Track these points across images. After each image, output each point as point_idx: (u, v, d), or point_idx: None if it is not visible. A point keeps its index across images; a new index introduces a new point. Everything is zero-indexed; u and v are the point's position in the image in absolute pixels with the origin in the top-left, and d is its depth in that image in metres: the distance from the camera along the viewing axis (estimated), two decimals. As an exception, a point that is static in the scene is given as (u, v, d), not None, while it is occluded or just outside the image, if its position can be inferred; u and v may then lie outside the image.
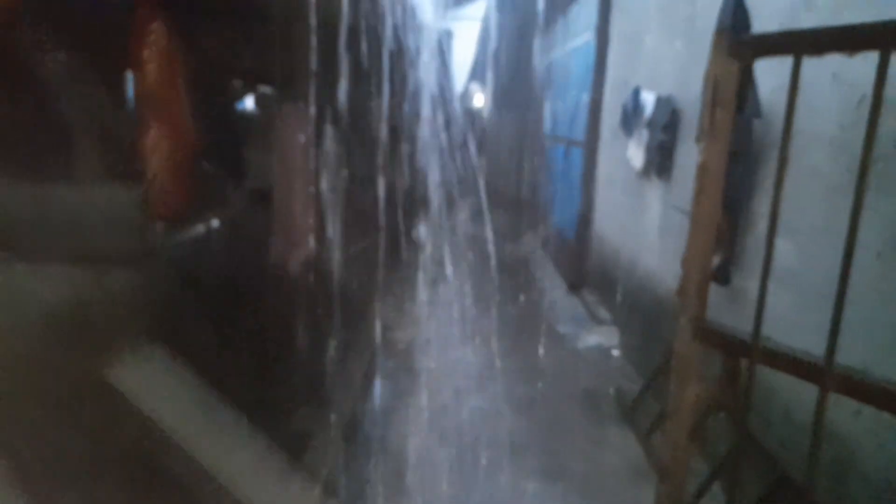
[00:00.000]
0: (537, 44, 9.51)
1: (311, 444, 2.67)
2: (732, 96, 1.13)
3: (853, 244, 1.04)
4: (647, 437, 3.09)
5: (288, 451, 2.47)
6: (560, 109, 7.18)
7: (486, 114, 11.68)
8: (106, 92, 2.03)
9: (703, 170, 1.17)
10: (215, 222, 2.45)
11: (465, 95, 11.87)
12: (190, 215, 2.33)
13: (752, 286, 2.71)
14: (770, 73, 2.45)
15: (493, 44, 11.30)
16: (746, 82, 2.12)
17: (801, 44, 1.10)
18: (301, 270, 2.74)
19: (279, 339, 2.68)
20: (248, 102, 3.26)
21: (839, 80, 2.18)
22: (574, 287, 5.74)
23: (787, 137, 1.08)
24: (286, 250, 2.70)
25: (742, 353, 1.10)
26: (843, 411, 2.01)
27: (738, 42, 1.11)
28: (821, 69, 2.28)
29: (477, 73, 11.92)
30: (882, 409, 1.05)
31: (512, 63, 10.74)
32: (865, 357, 1.88)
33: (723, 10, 2.30)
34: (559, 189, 6.95)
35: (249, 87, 3.19)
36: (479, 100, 11.87)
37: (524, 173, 10.10)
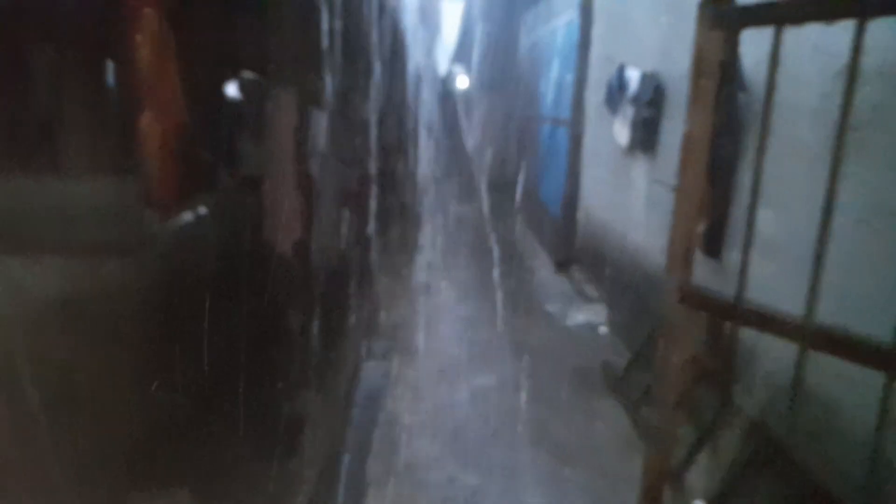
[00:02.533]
0: (522, 23, 9.48)
1: (308, 424, 2.71)
2: (716, 67, 1.15)
3: (831, 209, 1.07)
4: (636, 409, 3.16)
5: (287, 431, 2.52)
6: (545, 88, 7.18)
7: (470, 95, 11.63)
8: (96, 79, 2.03)
9: (688, 140, 1.19)
10: (207, 209, 2.46)
11: (449, 77, 11.80)
12: (184, 199, 2.34)
13: (751, 260, 2.76)
14: (754, 46, 2.48)
15: (476, 24, 11.23)
16: (732, 55, 2.15)
17: (781, 14, 1.13)
18: (294, 251, 2.77)
19: (276, 321, 2.71)
20: (236, 90, 3.24)
21: (820, 51, 2.22)
22: (562, 265, 5.79)
23: (769, 107, 1.10)
24: (278, 233, 2.72)
25: (725, 314, 1.13)
26: (826, 374, 2.07)
27: (721, 13, 1.13)
28: (802, 40, 2.32)
29: (461, 55, 11.85)
30: (859, 364, 1.09)
31: (497, 43, 10.69)
32: (846, 321, 1.94)
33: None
34: (546, 168, 6.98)
35: (238, 75, 3.18)
36: (463, 81, 11.81)
37: (510, 153, 10.12)
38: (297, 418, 2.70)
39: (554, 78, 6.66)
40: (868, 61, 1.96)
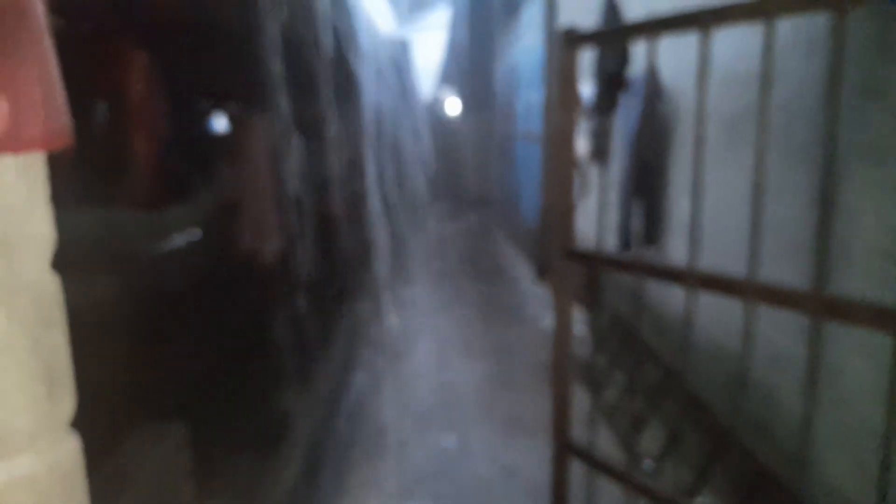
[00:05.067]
0: (498, 47, 9.96)
1: (294, 422, 3.00)
2: (574, 76, 1.51)
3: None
4: (597, 391, 3.47)
5: (272, 428, 2.81)
6: (520, 108, 7.60)
7: (459, 119, 12.10)
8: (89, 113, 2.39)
9: (559, 135, 1.55)
10: (194, 232, 2.78)
11: (436, 103, 12.28)
12: (171, 218, 2.65)
13: (673, 245, 3.11)
14: (670, 62, 2.85)
15: (458, 51, 11.73)
16: (623, 65, 2.52)
17: (617, 35, 1.49)
18: (271, 262, 3.07)
19: (260, 327, 3.02)
20: (217, 121, 3.59)
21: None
22: (542, 273, 6.13)
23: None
24: (256, 244, 3.03)
25: (594, 263, 1.47)
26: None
27: (574, 37, 1.49)
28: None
29: (446, 80, 12.35)
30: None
31: (477, 67, 11.18)
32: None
33: (601, 9, 2.72)
34: (523, 183, 7.36)
35: (215, 106, 3.53)
36: (453, 106, 12.30)
37: (493, 172, 10.53)
38: (282, 416, 2.99)
39: (526, 97, 7.07)
40: (748, 66, 2.34)
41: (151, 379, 2.16)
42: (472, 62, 11.23)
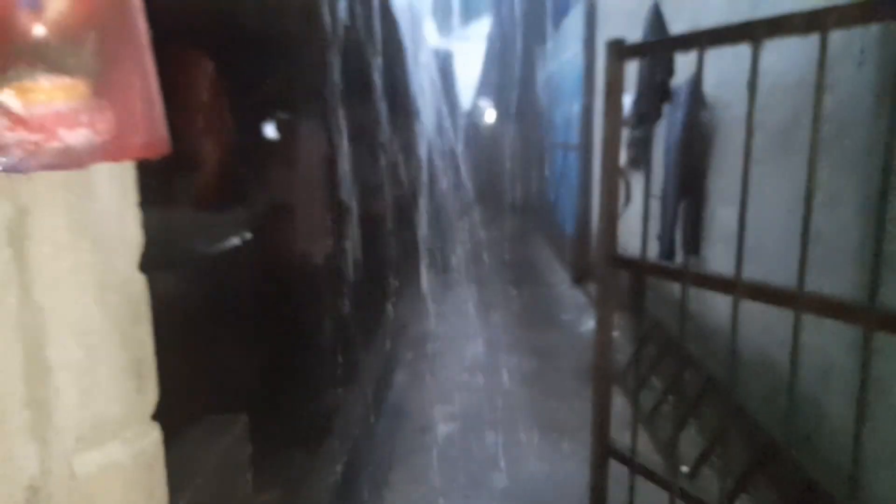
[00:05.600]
0: (538, 58, 9.97)
1: (339, 417, 3.06)
2: (620, 86, 1.53)
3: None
4: (635, 395, 3.45)
5: (319, 424, 2.88)
6: (558, 117, 7.61)
7: (496, 127, 12.15)
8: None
9: (606, 143, 1.58)
10: (247, 234, 2.87)
11: (475, 112, 12.35)
12: (228, 220, 2.74)
13: (714, 254, 3.09)
14: (714, 71, 2.84)
15: (498, 60, 11.78)
16: (669, 75, 2.53)
17: (665, 46, 1.51)
18: (323, 264, 3.14)
19: (309, 326, 3.10)
20: (274, 127, 3.70)
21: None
22: (578, 279, 6.12)
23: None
24: (308, 246, 3.10)
25: (636, 269, 1.50)
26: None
27: (620, 48, 1.52)
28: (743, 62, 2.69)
29: (484, 90, 12.42)
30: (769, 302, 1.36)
31: (517, 77, 11.20)
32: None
33: (646, 21, 2.73)
34: (561, 190, 7.36)
35: (271, 112, 3.64)
36: (491, 115, 12.37)
37: (531, 179, 10.53)
38: (328, 411, 3.06)
39: (565, 107, 7.08)
40: (797, 75, 2.33)
41: (205, 373, 2.25)
42: (512, 72, 11.26)
